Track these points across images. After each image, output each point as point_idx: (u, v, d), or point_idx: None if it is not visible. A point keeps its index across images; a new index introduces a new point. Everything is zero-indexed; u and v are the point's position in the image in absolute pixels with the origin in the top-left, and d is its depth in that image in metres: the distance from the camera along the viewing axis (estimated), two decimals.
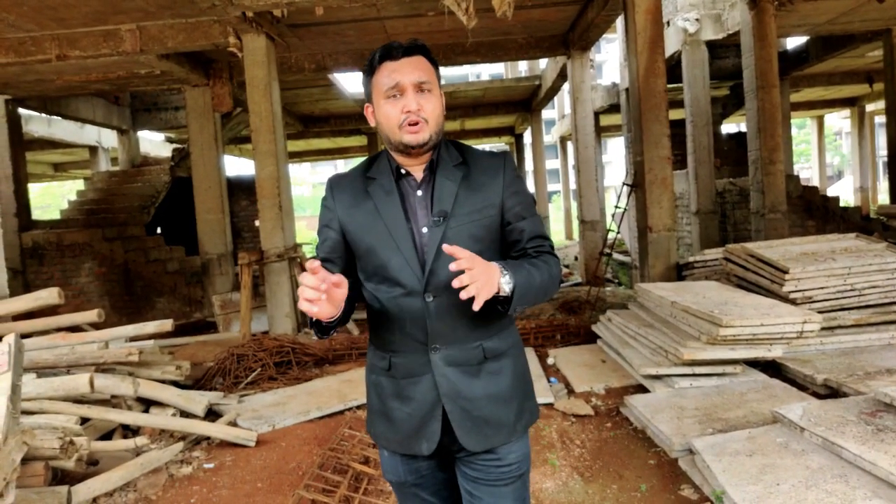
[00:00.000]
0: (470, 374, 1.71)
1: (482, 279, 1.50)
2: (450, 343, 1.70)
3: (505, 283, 1.57)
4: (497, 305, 1.63)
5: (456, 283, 1.48)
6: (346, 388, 5.47)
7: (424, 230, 1.70)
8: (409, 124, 1.67)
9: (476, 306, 1.49)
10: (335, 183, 1.82)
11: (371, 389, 1.84)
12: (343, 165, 50.74)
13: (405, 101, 1.67)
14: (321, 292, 1.46)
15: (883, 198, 22.43)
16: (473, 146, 1.86)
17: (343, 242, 1.78)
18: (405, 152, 1.71)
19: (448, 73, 28.70)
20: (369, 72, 1.73)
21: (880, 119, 23.76)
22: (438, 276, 1.67)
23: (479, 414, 1.71)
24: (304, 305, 1.47)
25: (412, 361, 1.72)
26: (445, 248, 1.50)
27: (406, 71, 1.67)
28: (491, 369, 1.74)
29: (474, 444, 1.71)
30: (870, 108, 22.26)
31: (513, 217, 1.76)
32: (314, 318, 1.59)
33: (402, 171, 1.75)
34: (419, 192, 1.74)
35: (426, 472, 1.83)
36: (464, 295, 1.47)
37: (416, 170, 1.75)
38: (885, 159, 13.11)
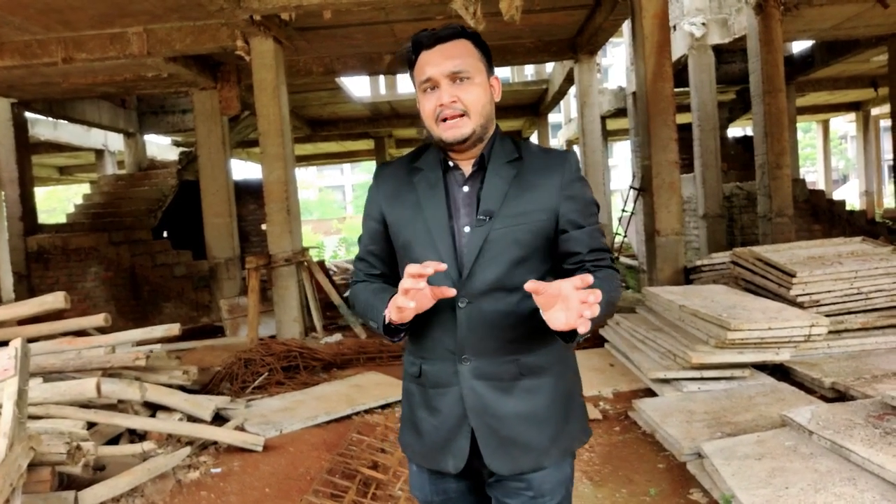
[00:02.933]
0: (501, 389, 1.56)
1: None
2: (480, 354, 1.56)
3: None
4: (556, 333, 1.41)
5: (586, 306, 1.27)
6: (354, 392, 5.47)
7: (466, 230, 1.56)
8: (444, 119, 1.54)
9: (586, 328, 1.28)
10: (381, 171, 1.73)
11: (404, 397, 1.74)
12: (350, 169, 50.80)
13: (439, 94, 1.54)
14: (419, 278, 1.37)
15: (888, 201, 22.36)
16: (535, 143, 1.72)
17: (385, 234, 1.68)
18: (448, 148, 1.59)
19: None
20: (410, 66, 1.63)
21: (885, 123, 23.67)
22: (475, 281, 1.54)
23: (506, 434, 1.56)
24: (399, 300, 1.40)
25: (441, 370, 1.60)
26: (528, 287, 1.34)
27: (437, 61, 1.55)
28: (527, 387, 1.58)
29: (500, 465, 1.57)
30: (875, 112, 22.21)
31: (567, 224, 1.59)
32: (387, 321, 1.52)
33: (450, 164, 1.63)
34: (465, 189, 1.61)
35: (454, 496, 1.69)
36: (583, 328, 1.28)
37: (465, 164, 1.62)
38: (891, 163, 13.10)
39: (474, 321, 1.55)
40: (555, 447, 1.60)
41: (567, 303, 1.32)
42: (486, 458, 1.57)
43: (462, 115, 1.54)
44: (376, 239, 1.70)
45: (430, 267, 1.35)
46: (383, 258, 1.71)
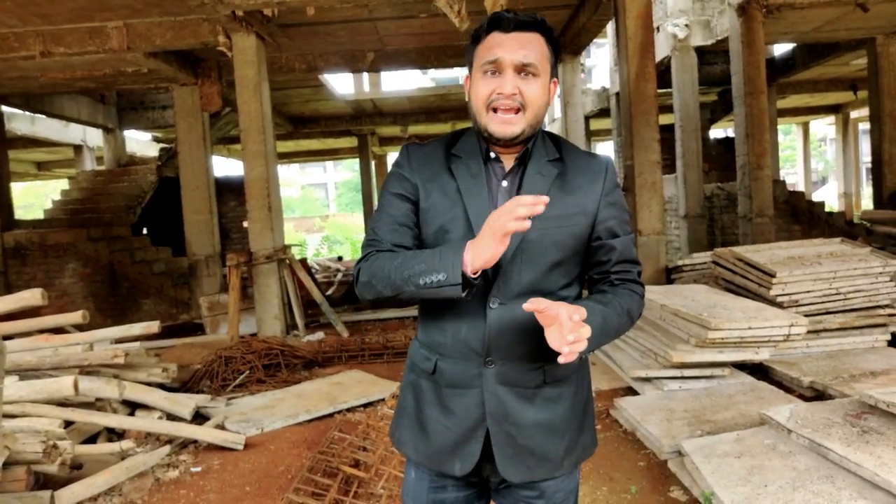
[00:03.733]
0: (524, 397, 1.51)
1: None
2: (508, 359, 1.50)
3: None
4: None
5: (567, 344, 1.27)
6: (335, 390, 5.44)
7: None
8: (497, 109, 1.45)
9: (568, 359, 1.29)
10: (413, 151, 1.60)
11: (407, 390, 1.64)
12: (333, 167, 50.54)
13: (500, 82, 1.45)
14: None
15: (866, 203, 22.64)
16: (572, 143, 1.65)
17: (416, 215, 1.56)
18: (491, 141, 1.51)
19: (439, 75, 28.69)
20: (475, 40, 1.52)
21: (864, 126, 23.97)
22: (510, 283, 1.47)
23: (524, 442, 1.51)
24: (521, 210, 1.26)
25: (461, 371, 1.52)
26: (526, 307, 1.31)
27: (511, 47, 1.44)
28: (548, 395, 1.53)
29: (513, 474, 1.52)
30: (854, 115, 22.47)
31: (604, 232, 1.54)
32: (470, 270, 1.34)
33: (492, 156, 1.54)
34: (504, 183, 1.53)
35: None
36: (563, 359, 1.29)
37: (507, 157, 1.54)
38: (869, 165, 13.24)
39: (505, 324, 1.48)
40: (567, 458, 1.57)
41: (560, 328, 1.30)
42: (500, 465, 1.52)
43: (518, 111, 1.46)
44: (408, 215, 1.56)
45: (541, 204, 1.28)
46: (410, 236, 1.56)
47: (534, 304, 1.30)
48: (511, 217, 1.27)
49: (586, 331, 1.30)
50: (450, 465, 1.54)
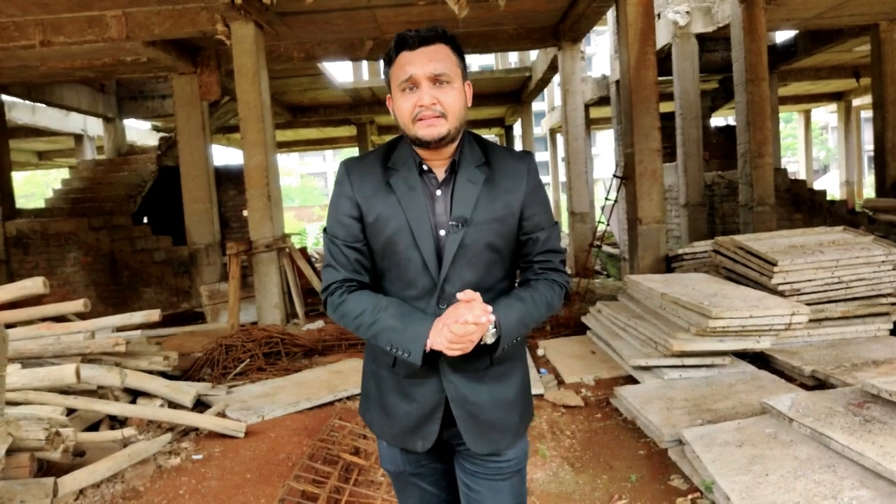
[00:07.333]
0: (475, 379, 1.68)
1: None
2: None
3: (489, 336, 1.59)
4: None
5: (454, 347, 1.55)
6: (335, 378, 5.45)
7: (442, 233, 1.64)
8: (421, 119, 1.59)
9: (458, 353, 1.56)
10: (352, 168, 1.71)
11: (370, 377, 1.80)
12: (332, 156, 50.49)
13: (419, 95, 1.59)
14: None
15: (868, 192, 22.60)
16: (496, 143, 1.78)
17: (364, 232, 1.69)
18: (423, 146, 1.63)
19: None
20: (388, 62, 1.66)
21: (866, 114, 23.88)
22: (452, 284, 1.63)
23: (485, 418, 1.69)
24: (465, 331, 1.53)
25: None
26: (460, 296, 1.56)
27: (420, 62, 1.58)
28: (496, 374, 1.71)
29: (481, 446, 1.70)
30: (856, 102, 22.36)
31: (531, 226, 1.71)
32: (428, 349, 1.58)
33: (424, 167, 1.67)
34: (439, 192, 1.66)
35: (425, 462, 1.81)
36: (453, 353, 1.55)
37: (438, 167, 1.68)
38: (871, 154, 13.18)
39: None
40: (522, 424, 1.77)
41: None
42: (469, 441, 1.69)
43: (440, 117, 1.59)
44: (359, 237, 1.69)
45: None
46: (367, 254, 1.71)
47: (463, 296, 1.56)
48: (455, 322, 1.53)
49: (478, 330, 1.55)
50: (412, 443, 1.72)
